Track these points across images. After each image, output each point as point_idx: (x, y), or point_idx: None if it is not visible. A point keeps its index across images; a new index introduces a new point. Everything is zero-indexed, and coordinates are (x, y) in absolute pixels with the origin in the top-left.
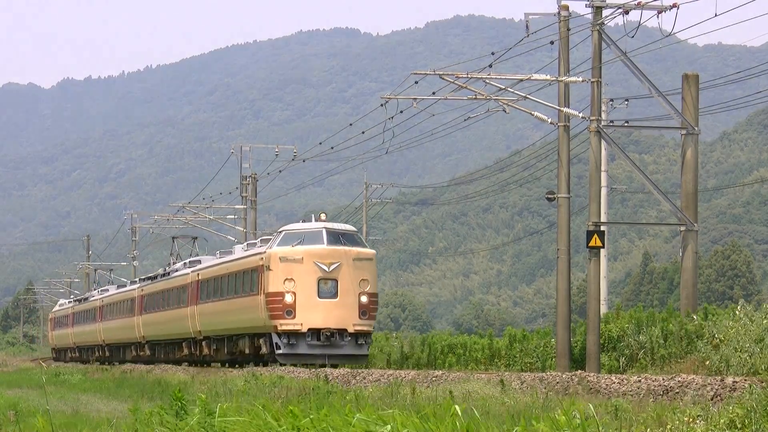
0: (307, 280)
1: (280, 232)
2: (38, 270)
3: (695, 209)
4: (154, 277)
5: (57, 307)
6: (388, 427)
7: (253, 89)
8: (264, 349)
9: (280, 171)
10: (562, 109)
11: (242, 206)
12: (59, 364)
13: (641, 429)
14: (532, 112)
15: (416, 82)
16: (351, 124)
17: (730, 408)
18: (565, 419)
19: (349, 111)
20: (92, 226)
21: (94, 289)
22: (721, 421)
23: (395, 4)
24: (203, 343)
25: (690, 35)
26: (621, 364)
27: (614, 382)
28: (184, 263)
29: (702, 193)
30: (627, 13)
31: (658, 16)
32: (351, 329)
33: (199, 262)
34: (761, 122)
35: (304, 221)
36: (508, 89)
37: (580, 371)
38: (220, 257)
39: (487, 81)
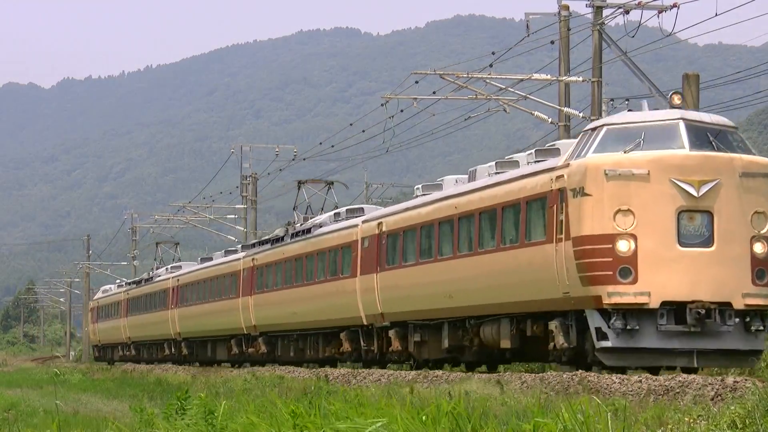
0: (658, 213)
1: (594, 129)
2: (38, 270)
3: None
4: (276, 240)
5: (100, 294)
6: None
7: (253, 89)
8: (561, 342)
9: (280, 171)
10: (562, 108)
11: (242, 206)
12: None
13: (642, 429)
14: (533, 112)
15: (416, 82)
16: (351, 124)
17: (731, 408)
18: (568, 417)
19: (349, 111)
20: (92, 226)
21: (157, 267)
22: (722, 421)
23: (395, 4)
24: (391, 332)
25: (690, 35)
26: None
27: (614, 382)
28: (335, 213)
29: None
30: (627, 12)
31: (658, 16)
32: (738, 304)
33: (362, 210)
34: (761, 122)
35: (630, 110)
36: (509, 89)
37: (580, 371)
38: (423, 193)
39: (488, 81)
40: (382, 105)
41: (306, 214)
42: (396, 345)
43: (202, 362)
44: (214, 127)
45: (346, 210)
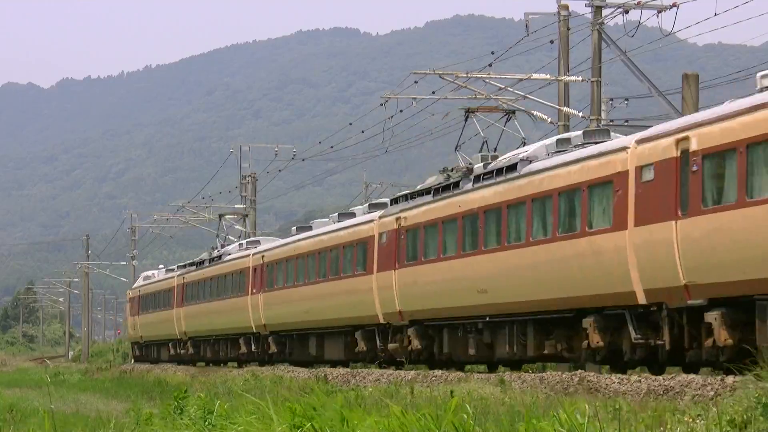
0: None
1: None
2: (38, 270)
3: None
4: (443, 189)
5: (141, 281)
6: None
7: (253, 89)
8: None
9: (279, 170)
10: (561, 108)
11: (242, 206)
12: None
13: (641, 429)
14: (532, 112)
15: (416, 82)
16: (351, 124)
17: (730, 408)
18: (566, 418)
19: (348, 111)
20: (92, 226)
21: (221, 245)
22: (722, 420)
23: (395, 4)
24: (711, 315)
25: (689, 35)
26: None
27: (614, 382)
28: (559, 140)
29: None
30: (627, 12)
31: (657, 16)
32: None
33: (607, 133)
34: None
35: None
36: (508, 89)
37: (580, 371)
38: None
39: (487, 81)
40: (381, 105)
41: (482, 151)
42: (722, 336)
43: (300, 363)
44: (214, 127)
45: (584, 132)
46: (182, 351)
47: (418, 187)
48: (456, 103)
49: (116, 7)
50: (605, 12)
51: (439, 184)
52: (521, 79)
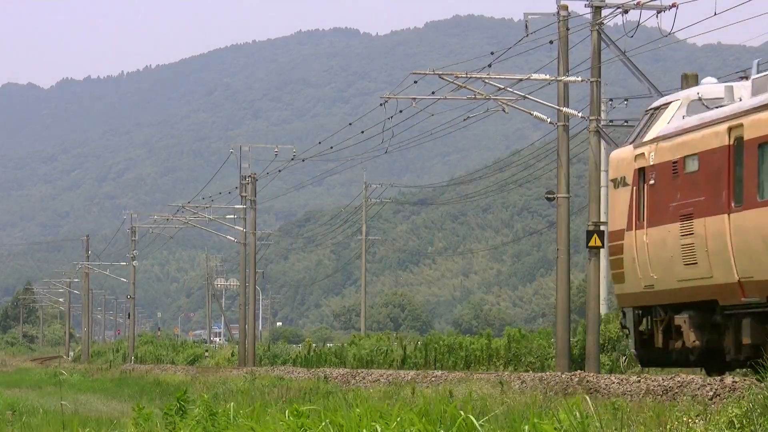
0: None
1: None
2: (37, 270)
3: None
4: None
5: (682, 119)
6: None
7: (253, 89)
8: None
9: (279, 171)
10: (561, 108)
11: (242, 206)
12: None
13: (641, 429)
14: (532, 112)
15: (415, 82)
16: (350, 124)
17: (729, 408)
18: (566, 418)
19: (348, 111)
20: (91, 226)
21: None
22: (721, 420)
23: (395, 4)
24: None
25: (689, 35)
26: (621, 364)
27: (614, 382)
28: None
29: None
30: (626, 12)
31: (657, 16)
32: None
33: None
34: None
35: None
36: (508, 89)
37: (579, 371)
38: None
39: (487, 81)
40: (381, 105)
41: None
42: None
43: None
44: (213, 127)
45: None
46: None
47: None
48: (455, 103)
49: (116, 7)
50: (605, 12)
51: None
52: (521, 80)
